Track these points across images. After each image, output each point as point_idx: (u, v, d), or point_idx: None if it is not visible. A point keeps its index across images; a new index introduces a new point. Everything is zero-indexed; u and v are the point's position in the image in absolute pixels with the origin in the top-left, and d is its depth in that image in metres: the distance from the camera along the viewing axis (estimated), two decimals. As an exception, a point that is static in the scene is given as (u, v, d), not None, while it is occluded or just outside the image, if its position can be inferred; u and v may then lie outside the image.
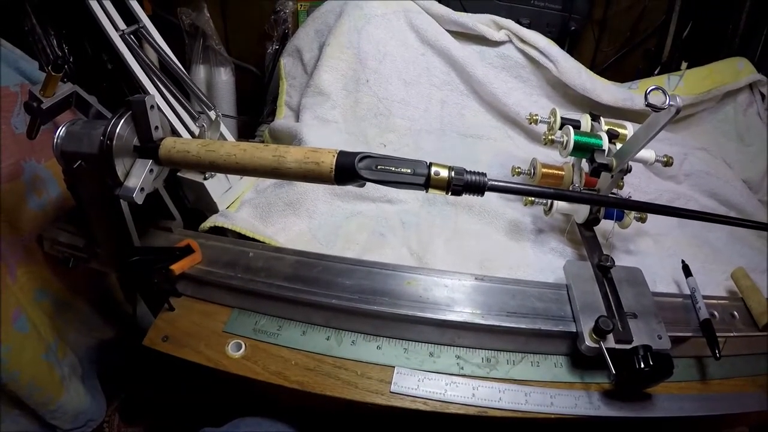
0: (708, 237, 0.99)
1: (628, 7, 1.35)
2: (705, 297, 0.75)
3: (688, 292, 0.77)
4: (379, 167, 0.54)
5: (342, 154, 0.55)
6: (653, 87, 0.64)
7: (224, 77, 1.31)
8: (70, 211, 0.86)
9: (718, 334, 0.68)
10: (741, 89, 1.19)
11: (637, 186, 1.03)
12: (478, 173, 0.55)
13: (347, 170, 0.54)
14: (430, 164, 0.54)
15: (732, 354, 0.72)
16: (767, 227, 0.74)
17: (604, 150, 0.80)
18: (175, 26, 1.26)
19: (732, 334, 0.72)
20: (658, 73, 1.29)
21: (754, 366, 0.73)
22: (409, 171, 0.53)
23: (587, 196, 0.77)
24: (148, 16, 0.87)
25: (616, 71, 1.40)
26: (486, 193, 0.55)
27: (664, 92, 0.63)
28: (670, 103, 0.62)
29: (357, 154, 0.54)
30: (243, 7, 1.32)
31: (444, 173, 0.54)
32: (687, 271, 0.80)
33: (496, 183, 0.55)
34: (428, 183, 0.54)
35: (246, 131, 1.32)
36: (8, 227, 0.81)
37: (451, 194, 0.55)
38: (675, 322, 0.71)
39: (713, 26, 1.29)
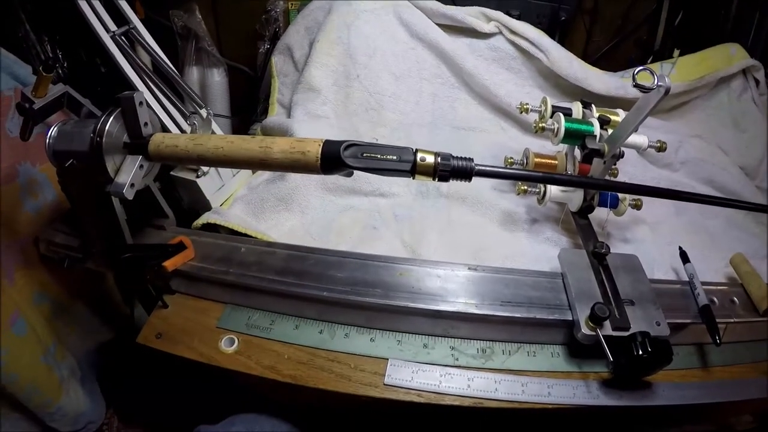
0: (706, 224, 0.98)
1: (619, -4, 1.33)
2: (704, 283, 0.74)
3: (687, 279, 0.76)
4: (364, 155, 0.53)
5: (328, 143, 0.54)
6: (641, 68, 0.63)
7: (217, 78, 1.31)
8: (66, 213, 0.86)
9: (718, 320, 0.68)
10: (734, 75, 1.18)
11: (632, 174, 1.02)
12: (465, 158, 0.54)
13: (333, 159, 0.53)
14: (416, 150, 0.53)
15: (733, 340, 0.72)
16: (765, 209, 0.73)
17: (596, 136, 0.79)
18: (167, 29, 1.25)
19: (732, 320, 0.71)
20: (651, 62, 1.27)
21: (756, 352, 0.73)
22: (394, 158, 0.53)
23: (576, 179, 0.76)
24: (141, 20, 0.87)
25: (608, 61, 1.39)
26: (478, 182, 0.55)
27: (652, 72, 0.62)
28: (659, 83, 0.62)
29: (342, 142, 0.54)
30: (234, 7, 1.32)
31: (430, 159, 0.53)
32: (685, 257, 0.79)
33: (483, 168, 0.54)
34: (414, 169, 0.53)
35: (240, 131, 1.32)
36: (5, 230, 0.81)
37: (439, 180, 0.54)
38: (673, 309, 0.70)
39: (705, 13, 1.28)
